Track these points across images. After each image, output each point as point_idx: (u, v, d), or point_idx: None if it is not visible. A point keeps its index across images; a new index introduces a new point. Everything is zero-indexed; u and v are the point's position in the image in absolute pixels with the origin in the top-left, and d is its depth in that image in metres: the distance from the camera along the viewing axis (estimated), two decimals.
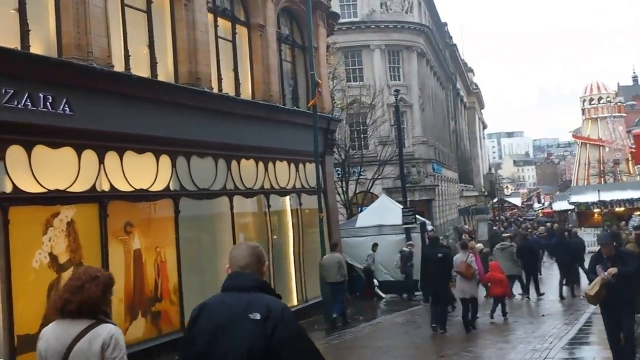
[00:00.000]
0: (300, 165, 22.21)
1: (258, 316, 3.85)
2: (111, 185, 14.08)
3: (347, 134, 41.86)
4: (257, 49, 20.30)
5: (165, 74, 16.65)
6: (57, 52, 13.35)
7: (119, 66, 14.61)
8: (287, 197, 21.68)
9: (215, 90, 18.03)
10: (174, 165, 16.07)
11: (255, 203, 19.82)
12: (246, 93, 20.03)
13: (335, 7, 51.78)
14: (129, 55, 15.24)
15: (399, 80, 51.75)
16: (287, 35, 22.73)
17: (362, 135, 46.98)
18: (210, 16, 18.44)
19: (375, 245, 25.95)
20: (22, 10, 12.63)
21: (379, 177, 39.03)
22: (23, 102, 11.98)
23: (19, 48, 12.43)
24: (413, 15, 53.61)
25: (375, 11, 51.53)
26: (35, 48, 12.82)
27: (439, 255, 17.32)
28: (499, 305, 19.28)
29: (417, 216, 28.09)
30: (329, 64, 37.51)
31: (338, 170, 40.60)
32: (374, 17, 51.17)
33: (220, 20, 18.94)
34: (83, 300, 4.44)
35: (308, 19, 19.79)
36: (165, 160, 15.81)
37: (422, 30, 53.49)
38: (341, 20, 51.51)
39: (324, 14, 24.43)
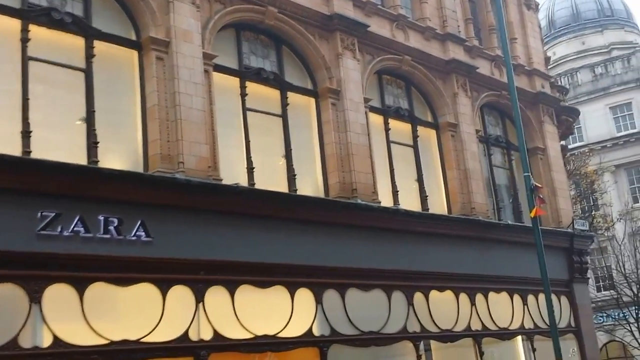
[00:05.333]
0: (531, 298, 16.87)
1: None
2: (214, 332, 10.70)
3: None
4: (449, 153, 16.21)
5: (313, 187, 13.37)
6: (142, 167, 10.81)
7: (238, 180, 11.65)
8: (516, 341, 16.40)
9: (387, 205, 14.18)
10: (319, 301, 12.30)
11: (461, 351, 14.93)
12: (439, 207, 15.83)
13: (608, 121, 46.15)
14: (253, 168, 12.29)
15: None
16: (498, 136, 18.32)
17: None
18: (378, 117, 15.04)
19: None
20: (89, 118, 10.38)
21: None
22: (72, 227, 9.36)
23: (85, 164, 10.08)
24: None
25: None
26: (113, 163, 10.39)
27: None
28: None
29: None
30: (593, 182, 31.52)
31: (634, 309, 33.08)
32: None
33: (392, 123, 15.36)
34: None
35: (514, 106, 15.19)
36: (305, 295, 12.15)
37: None
38: (617, 134, 45.28)
39: (551, 109, 19.62)
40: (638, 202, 41.34)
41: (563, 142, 21.45)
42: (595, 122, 45.35)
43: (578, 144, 42.89)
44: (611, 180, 42.33)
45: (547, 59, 20.61)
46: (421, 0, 16.60)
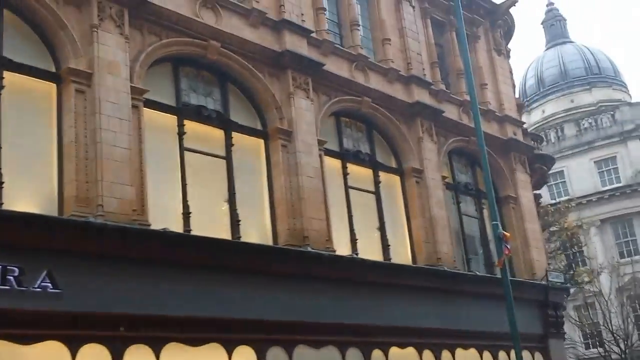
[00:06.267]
0: (503, 355, 15.40)
1: None
2: None
3: (629, 320, 33.05)
4: (414, 200, 14.98)
5: (260, 234, 12.10)
6: (57, 210, 9.54)
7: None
8: None
9: (345, 254, 12.87)
10: None
11: None
12: (402, 256, 14.53)
13: (592, 175, 44.96)
14: (190, 213, 11.04)
15: None
16: (467, 183, 17.10)
17: None
18: (335, 161, 13.87)
19: None
20: None
21: None
22: None
23: None
24: None
25: None
26: (22, 206, 9.12)
27: None
28: None
29: None
30: (573, 235, 30.10)
31: None
32: None
33: (351, 167, 14.17)
34: None
35: (482, 151, 13.91)
36: (245, 354, 10.73)
37: None
38: (603, 188, 44.04)
39: (524, 157, 18.46)
40: (625, 257, 39.91)
41: (538, 192, 20.24)
42: (580, 176, 44.35)
43: (564, 197, 41.79)
44: (597, 234, 41.12)
45: (519, 106, 19.58)
46: (384, 41, 15.62)
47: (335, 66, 14.05)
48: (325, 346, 11.93)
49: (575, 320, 34.66)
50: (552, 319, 16.89)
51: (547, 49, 54.82)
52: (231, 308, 10.65)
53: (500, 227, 13.91)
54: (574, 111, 49.79)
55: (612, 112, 45.08)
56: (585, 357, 35.76)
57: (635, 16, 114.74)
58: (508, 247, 13.85)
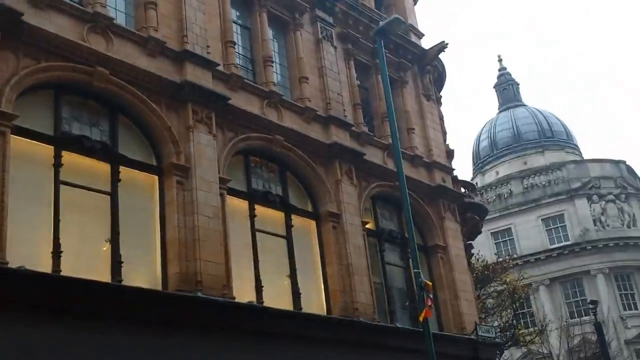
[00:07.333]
0: None
1: None
2: None
3: None
4: (330, 246, 13.95)
5: (148, 277, 10.91)
6: None
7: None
8: None
9: (245, 301, 11.70)
10: None
11: None
12: (316, 306, 13.39)
13: (540, 233, 44.41)
14: (61, 252, 9.81)
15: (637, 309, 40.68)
16: (392, 230, 16.11)
17: None
18: (241, 202, 12.83)
19: None
20: None
21: None
22: None
23: None
24: (638, 228, 43.44)
25: (589, 230, 42.51)
26: None
27: None
28: None
29: None
30: (515, 289, 29.18)
31: None
32: (588, 236, 42.09)
33: (260, 209, 13.13)
34: None
35: (403, 194, 12.98)
36: None
37: None
38: (551, 246, 43.45)
39: (454, 205, 17.60)
40: (575, 317, 38.95)
41: (471, 242, 19.36)
42: (528, 234, 43.77)
43: (512, 255, 41.04)
44: (546, 293, 40.36)
45: (449, 152, 18.85)
46: (301, 79, 14.85)
47: (244, 102, 13.17)
48: None
49: None
50: None
51: (500, 111, 55.00)
52: None
53: (422, 276, 12.92)
54: (527, 173, 49.54)
55: (559, 170, 44.97)
56: None
57: (589, 80, 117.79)
58: (430, 297, 12.86)
